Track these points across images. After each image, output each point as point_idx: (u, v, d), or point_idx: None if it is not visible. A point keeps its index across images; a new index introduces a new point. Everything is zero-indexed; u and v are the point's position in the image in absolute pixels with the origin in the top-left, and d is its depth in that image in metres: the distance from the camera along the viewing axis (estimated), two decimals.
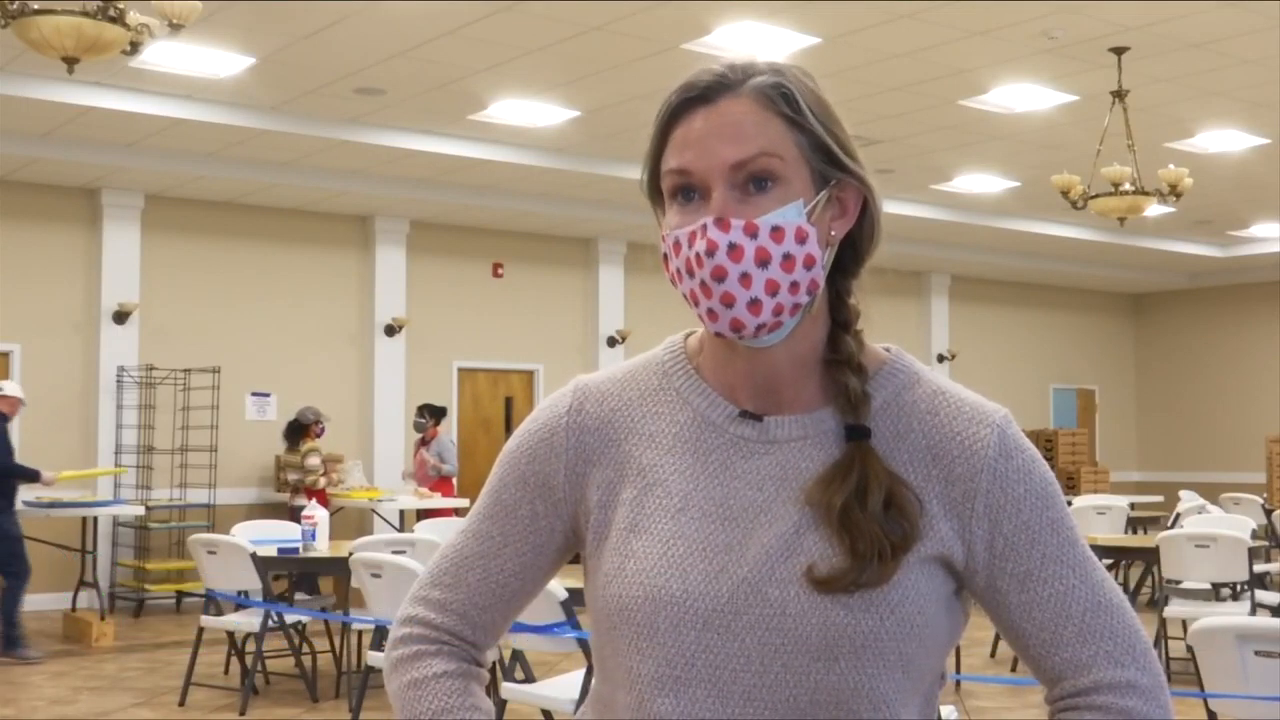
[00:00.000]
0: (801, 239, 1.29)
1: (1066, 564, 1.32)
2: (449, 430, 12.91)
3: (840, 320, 1.37)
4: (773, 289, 1.28)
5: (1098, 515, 10.79)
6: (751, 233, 1.28)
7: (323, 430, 11.57)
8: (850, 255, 1.38)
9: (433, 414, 12.17)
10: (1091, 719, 1.30)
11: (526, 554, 1.42)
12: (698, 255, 1.28)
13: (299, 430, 11.45)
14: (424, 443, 12.20)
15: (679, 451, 1.36)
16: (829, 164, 1.33)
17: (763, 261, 1.28)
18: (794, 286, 1.29)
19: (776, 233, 1.28)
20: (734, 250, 1.27)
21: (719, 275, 1.27)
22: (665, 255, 1.34)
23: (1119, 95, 9.16)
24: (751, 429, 1.35)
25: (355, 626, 7.38)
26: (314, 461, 11.23)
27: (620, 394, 1.42)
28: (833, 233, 1.34)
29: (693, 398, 1.39)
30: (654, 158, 1.35)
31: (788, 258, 1.28)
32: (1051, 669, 1.32)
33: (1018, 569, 1.32)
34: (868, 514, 1.27)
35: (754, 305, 1.28)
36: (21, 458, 11.60)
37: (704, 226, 1.28)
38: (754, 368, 1.35)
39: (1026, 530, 1.32)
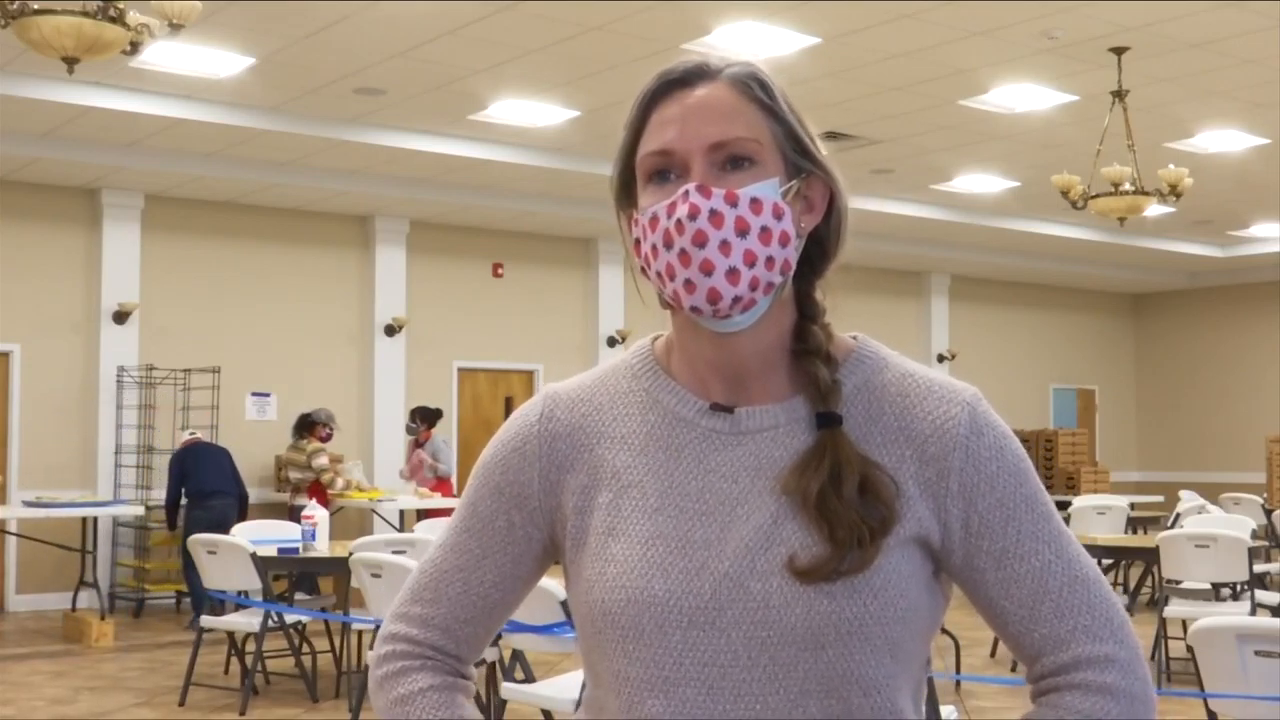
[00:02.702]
0: (778, 215, 1.31)
1: (1042, 540, 1.33)
2: (443, 432, 12.84)
3: (807, 313, 1.38)
4: (750, 260, 1.29)
5: (1098, 515, 10.79)
6: (732, 201, 1.29)
7: (329, 435, 11.55)
8: (817, 252, 1.39)
9: (424, 418, 12.18)
10: (1072, 699, 1.30)
11: (505, 565, 1.42)
12: (678, 222, 1.29)
13: (306, 425, 11.43)
14: (418, 444, 12.22)
15: (652, 451, 1.37)
16: (800, 154, 1.35)
17: (742, 231, 1.29)
18: (770, 261, 1.30)
19: (755, 204, 1.30)
20: (715, 216, 1.28)
21: (700, 240, 1.28)
22: (638, 240, 1.35)
23: (1119, 95, 9.16)
24: (723, 421, 1.36)
25: (355, 626, 7.38)
26: (321, 461, 11.22)
27: (590, 399, 1.42)
28: (801, 225, 1.35)
29: (662, 396, 1.39)
30: (630, 144, 1.38)
31: (765, 230, 1.30)
32: (1030, 646, 1.33)
33: (994, 546, 1.32)
34: (844, 500, 1.27)
35: (732, 274, 1.28)
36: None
37: (685, 193, 1.29)
38: (721, 357, 1.36)
39: (1001, 507, 1.32)
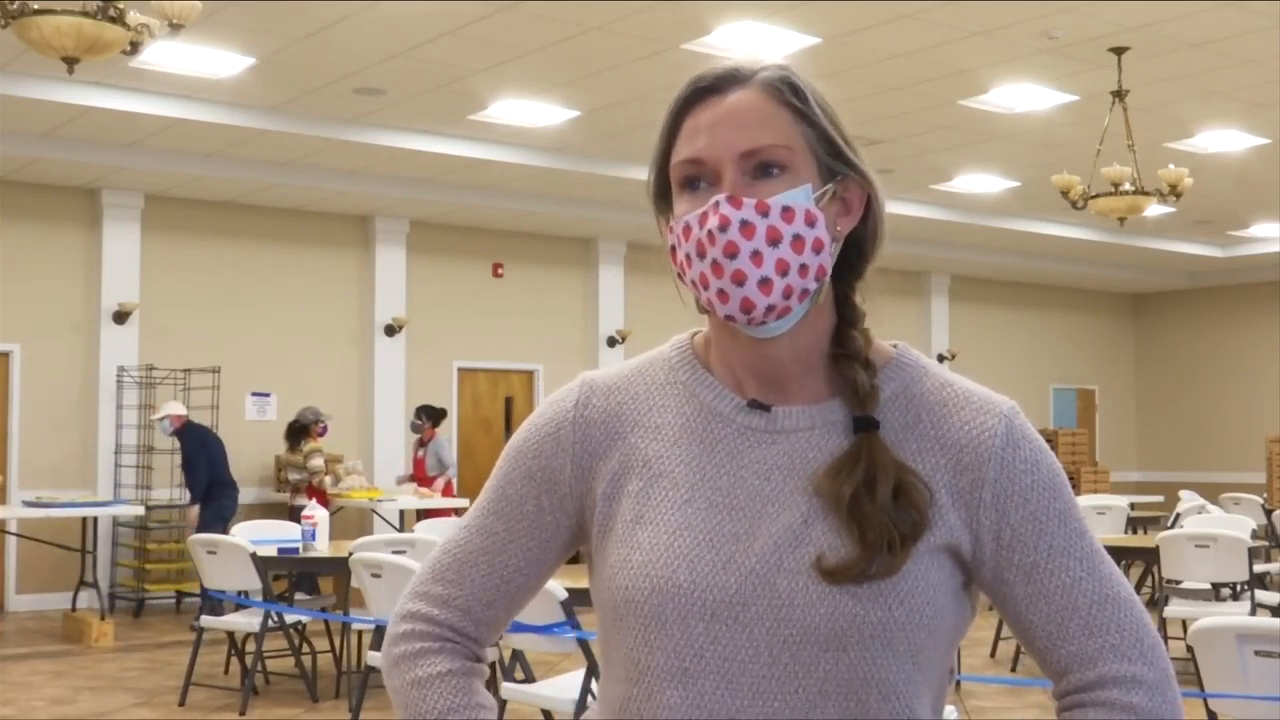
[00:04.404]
0: (811, 222, 1.31)
1: (1074, 556, 1.32)
2: (444, 431, 12.85)
3: (846, 317, 1.38)
4: (783, 269, 1.29)
5: (1098, 515, 10.78)
6: (763, 211, 1.29)
7: (325, 430, 11.55)
8: (855, 254, 1.39)
9: (429, 416, 12.18)
10: (1096, 715, 1.29)
11: (531, 549, 1.42)
12: (710, 233, 1.29)
13: (300, 431, 11.44)
14: (422, 443, 12.24)
15: (685, 443, 1.37)
16: (834, 158, 1.35)
17: (774, 240, 1.29)
18: (803, 269, 1.30)
19: (787, 213, 1.30)
20: (746, 227, 1.28)
21: (731, 251, 1.28)
22: (673, 246, 1.35)
23: (1119, 95, 9.16)
24: (759, 419, 1.36)
25: (355, 626, 7.38)
26: (317, 462, 11.22)
27: (627, 388, 1.42)
28: (838, 228, 1.35)
29: (699, 390, 1.39)
30: (664, 151, 1.37)
31: (798, 238, 1.30)
32: (1057, 662, 1.32)
33: (1024, 560, 1.32)
34: (876, 504, 1.27)
35: (765, 284, 1.28)
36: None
37: (716, 203, 1.29)
38: (758, 360, 1.36)
39: (1034, 521, 1.32)
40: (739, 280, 1.28)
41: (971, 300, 18.05)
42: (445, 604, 1.42)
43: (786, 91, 1.34)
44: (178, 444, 11.17)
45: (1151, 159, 10.72)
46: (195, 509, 10.75)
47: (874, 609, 1.25)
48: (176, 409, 11.02)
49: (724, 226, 1.28)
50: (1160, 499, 16.22)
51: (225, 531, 8.81)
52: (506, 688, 5.45)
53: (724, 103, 1.33)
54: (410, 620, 1.43)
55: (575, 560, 1.47)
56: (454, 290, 13.95)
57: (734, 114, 1.32)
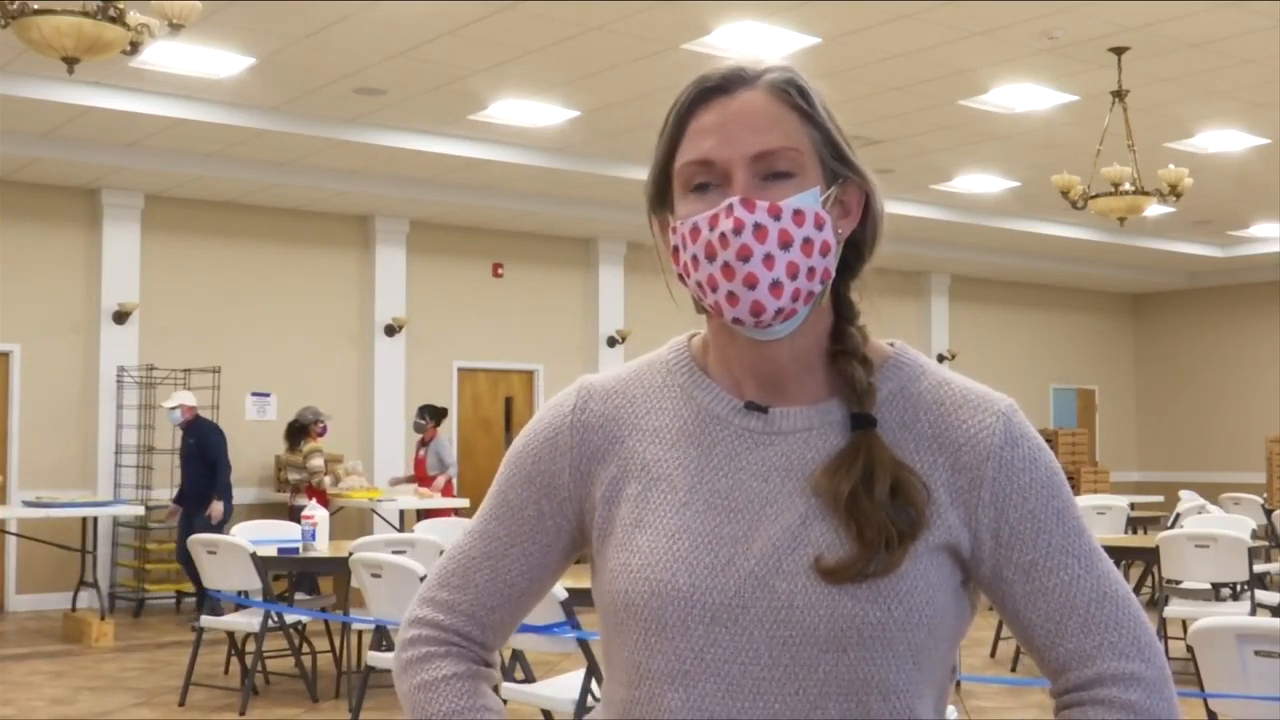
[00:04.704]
0: (819, 225, 1.31)
1: (1072, 554, 1.32)
2: (447, 431, 12.87)
3: (844, 315, 1.39)
4: (793, 272, 1.29)
5: (1098, 515, 10.78)
6: (775, 214, 1.29)
7: (324, 430, 11.56)
8: (853, 255, 1.39)
9: (432, 415, 12.19)
10: (1095, 714, 1.29)
11: (534, 554, 1.42)
12: (721, 236, 1.28)
13: (300, 431, 11.44)
14: (423, 443, 12.25)
15: (683, 446, 1.37)
16: (837, 160, 1.35)
17: (785, 244, 1.28)
18: (810, 272, 1.30)
19: (798, 216, 1.29)
20: (759, 230, 1.28)
21: (744, 255, 1.27)
22: (676, 247, 1.34)
23: (1119, 95, 9.16)
24: (757, 421, 1.35)
25: (355, 626, 7.38)
26: (317, 462, 11.21)
27: (624, 392, 1.42)
28: (839, 231, 1.35)
29: (697, 393, 1.39)
30: (667, 151, 1.36)
31: (807, 242, 1.29)
32: (1055, 660, 1.32)
33: (1023, 558, 1.32)
34: (875, 501, 1.27)
35: (776, 288, 1.28)
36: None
37: (729, 206, 1.28)
38: (758, 362, 1.35)
39: (1032, 519, 1.32)
40: (750, 284, 1.28)
41: (971, 300, 18.05)
42: (450, 609, 1.43)
43: (793, 94, 1.33)
44: (179, 438, 11.15)
45: (1151, 159, 10.72)
46: (220, 505, 10.66)
47: (873, 609, 1.25)
48: (189, 399, 10.96)
49: (738, 229, 1.27)
50: (1160, 499, 16.22)
51: (224, 531, 8.82)
52: (506, 688, 5.45)
53: (732, 104, 1.32)
54: (417, 626, 1.44)
55: (579, 561, 1.47)
56: (454, 290, 13.95)
57: (743, 115, 1.32)
